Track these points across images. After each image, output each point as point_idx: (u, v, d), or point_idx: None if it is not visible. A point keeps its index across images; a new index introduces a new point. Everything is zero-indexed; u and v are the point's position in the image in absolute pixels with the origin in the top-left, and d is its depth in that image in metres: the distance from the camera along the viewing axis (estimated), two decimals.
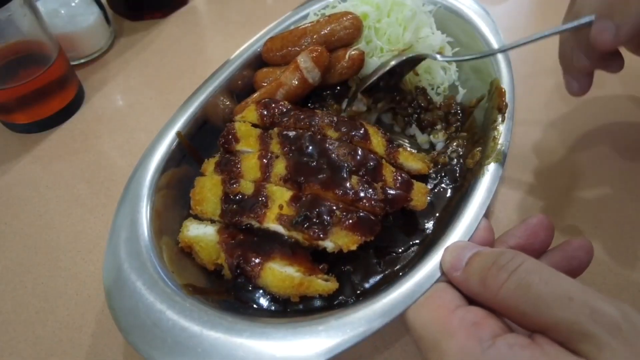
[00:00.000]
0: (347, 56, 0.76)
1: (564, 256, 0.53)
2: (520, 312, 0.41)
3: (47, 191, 0.81)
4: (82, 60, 1.02)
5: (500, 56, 0.77)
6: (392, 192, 0.61)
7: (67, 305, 0.68)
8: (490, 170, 0.64)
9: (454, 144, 0.74)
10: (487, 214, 0.61)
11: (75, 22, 0.96)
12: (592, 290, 0.40)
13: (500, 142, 0.67)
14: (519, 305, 0.41)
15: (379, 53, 0.80)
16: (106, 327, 0.65)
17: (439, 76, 0.82)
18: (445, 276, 0.51)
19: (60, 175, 0.83)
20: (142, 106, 0.95)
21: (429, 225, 0.67)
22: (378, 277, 0.62)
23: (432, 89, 0.83)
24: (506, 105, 0.71)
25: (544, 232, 0.53)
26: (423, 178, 0.70)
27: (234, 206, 0.62)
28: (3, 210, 0.79)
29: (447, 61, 0.79)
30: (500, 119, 0.70)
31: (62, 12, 0.95)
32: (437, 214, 0.68)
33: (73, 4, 0.97)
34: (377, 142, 0.67)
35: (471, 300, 0.47)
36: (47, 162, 0.86)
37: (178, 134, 0.70)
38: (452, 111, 0.79)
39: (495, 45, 0.80)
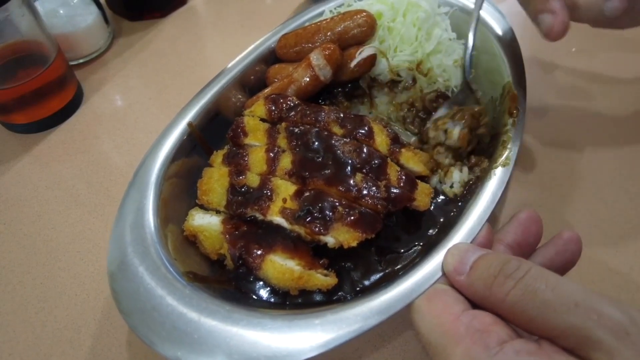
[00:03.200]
0: (359, 54, 0.76)
1: (557, 250, 0.53)
2: (527, 318, 0.41)
3: (46, 191, 0.82)
4: (81, 61, 1.02)
5: (514, 59, 0.76)
6: (395, 190, 0.61)
7: (66, 306, 0.68)
8: (497, 174, 0.64)
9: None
10: (491, 217, 0.60)
11: (74, 22, 0.96)
12: (598, 294, 0.39)
13: (509, 146, 0.67)
14: (526, 312, 0.41)
15: (392, 53, 0.80)
16: (105, 328, 0.65)
17: (455, 77, 0.81)
18: (448, 279, 0.51)
19: (59, 176, 0.84)
20: (141, 106, 0.95)
21: (432, 226, 0.66)
22: (378, 275, 0.62)
23: (447, 90, 0.82)
24: (517, 110, 0.70)
25: (535, 226, 0.54)
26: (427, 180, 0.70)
27: (240, 198, 0.63)
28: (2, 211, 0.79)
29: None
30: (510, 124, 0.69)
31: (61, 12, 0.96)
32: (441, 216, 0.67)
33: (72, 4, 0.97)
34: (381, 140, 0.67)
35: (474, 303, 0.47)
36: (46, 162, 0.86)
37: (189, 124, 0.71)
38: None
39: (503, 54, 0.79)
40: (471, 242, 0.56)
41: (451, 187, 0.70)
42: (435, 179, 0.71)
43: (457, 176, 0.70)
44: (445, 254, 0.53)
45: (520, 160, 0.81)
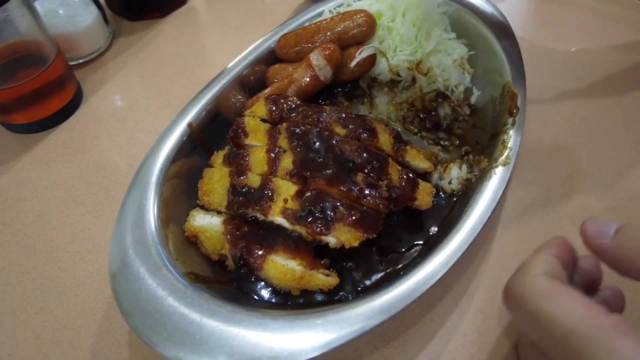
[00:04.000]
0: (359, 54, 0.77)
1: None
2: None
3: (46, 191, 0.81)
4: (81, 61, 1.02)
5: (514, 59, 0.77)
6: (397, 190, 0.61)
7: (66, 306, 0.67)
8: (498, 173, 0.64)
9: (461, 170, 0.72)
10: (492, 217, 0.60)
11: (73, 22, 0.96)
12: None
13: (509, 145, 0.67)
14: None
15: (391, 52, 0.80)
16: (105, 328, 0.65)
17: (455, 76, 0.81)
18: (587, 243, 0.47)
19: (59, 176, 0.83)
20: (140, 106, 0.95)
21: (433, 225, 0.67)
22: (379, 275, 0.62)
23: (447, 89, 0.81)
24: (517, 110, 0.71)
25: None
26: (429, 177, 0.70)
27: (241, 198, 0.63)
28: (2, 211, 0.79)
29: None
30: (510, 123, 0.69)
31: (61, 12, 0.95)
32: (442, 215, 0.67)
33: (71, 4, 0.97)
34: (384, 139, 0.67)
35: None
36: (45, 162, 0.86)
37: (189, 125, 0.71)
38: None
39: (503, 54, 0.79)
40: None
41: (449, 183, 0.70)
42: (435, 176, 0.71)
43: (456, 173, 0.70)
44: (582, 224, 0.48)
45: (520, 160, 0.81)
